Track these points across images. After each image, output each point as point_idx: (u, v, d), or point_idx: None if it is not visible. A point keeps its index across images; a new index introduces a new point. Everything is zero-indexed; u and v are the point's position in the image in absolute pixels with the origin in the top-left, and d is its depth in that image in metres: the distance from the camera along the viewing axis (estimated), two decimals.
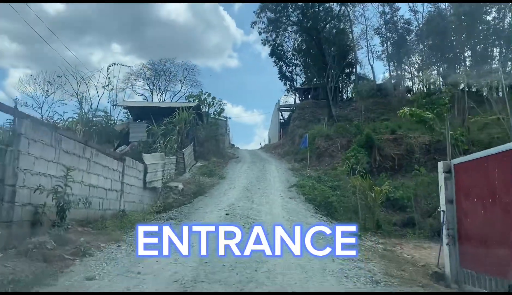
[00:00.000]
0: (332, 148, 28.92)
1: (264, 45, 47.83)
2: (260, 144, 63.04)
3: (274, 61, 56.27)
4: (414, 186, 20.57)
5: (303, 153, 30.73)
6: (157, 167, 18.67)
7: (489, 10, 40.63)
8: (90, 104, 33.72)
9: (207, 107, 35.80)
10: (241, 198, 18.37)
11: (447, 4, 45.14)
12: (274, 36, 48.12)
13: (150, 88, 49.61)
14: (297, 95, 56.22)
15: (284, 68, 56.78)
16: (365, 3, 48.27)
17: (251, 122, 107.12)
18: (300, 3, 42.83)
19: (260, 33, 46.69)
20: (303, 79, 57.81)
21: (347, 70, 53.17)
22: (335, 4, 44.12)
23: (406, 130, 29.33)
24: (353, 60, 51.87)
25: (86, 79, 34.17)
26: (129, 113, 35.01)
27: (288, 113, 55.48)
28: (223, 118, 56.42)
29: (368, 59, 51.76)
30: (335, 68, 45.60)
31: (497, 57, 41.63)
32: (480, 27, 44.84)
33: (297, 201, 18.24)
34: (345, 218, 16.69)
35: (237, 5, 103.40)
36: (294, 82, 57.36)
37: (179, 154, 24.50)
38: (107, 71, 35.36)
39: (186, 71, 51.75)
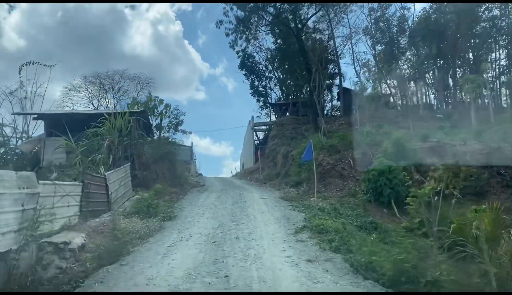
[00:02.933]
0: (341, 164, 18.65)
1: (232, 47, 37.93)
2: (232, 172, 52.26)
3: (245, 75, 46.74)
4: None
5: (297, 174, 20.27)
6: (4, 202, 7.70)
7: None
8: None
9: (159, 117, 24.88)
10: (201, 267, 7.74)
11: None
12: (244, 40, 38.49)
13: (95, 106, 38.17)
14: (273, 112, 46.35)
15: (256, 83, 47.17)
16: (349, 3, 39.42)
17: (219, 154, 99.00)
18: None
19: (227, 35, 36.91)
20: (278, 95, 48.21)
21: (328, 82, 43.78)
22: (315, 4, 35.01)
23: (443, 137, 19.72)
24: (336, 71, 42.64)
25: None
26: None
27: (263, 133, 45.34)
28: (186, 146, 46.41)
29: (354, 67, 42.59)
30: (319, 77, 36.07)
31: None
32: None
33: (329, 271, 7.58)
34: None
35: (201, 40, 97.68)
36: (269, 98, 47.68)
37: (94, 180, 13.46)
38: (19, 73, 23.97)
39: (140, 85, 40.70)
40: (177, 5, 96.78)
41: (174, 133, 25.60)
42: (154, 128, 24.36)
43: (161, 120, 24.69)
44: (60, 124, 20.57)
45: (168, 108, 25.00)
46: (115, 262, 8.48)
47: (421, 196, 8.50)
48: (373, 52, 40.92)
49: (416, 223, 9.70)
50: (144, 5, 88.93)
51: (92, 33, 63.91)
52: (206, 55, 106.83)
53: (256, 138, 43.71)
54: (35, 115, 22.15)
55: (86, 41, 64.33)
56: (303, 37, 34.23)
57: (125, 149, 19.29)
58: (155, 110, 24.20)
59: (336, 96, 43.78)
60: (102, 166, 17.23)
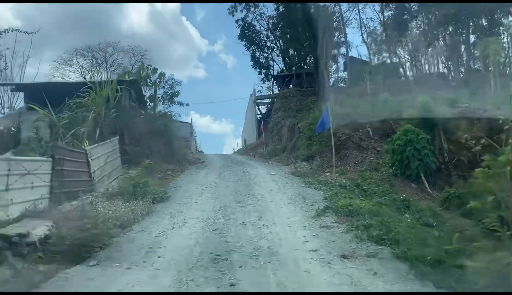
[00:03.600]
0: (358, 134, 16.22)
1: (232, 14, 34.97)
2: (233, 149, 49.95)
3: (245, 45, 43.68)
4: None
5: (306, 147, 17.90)
6: None
7: None
8: None
9: (152, 88, 22.29)
10: (196, 269, 5.53)
11: None
12: (244, 6, 35.36)
13: (86, 80, 35.32)
14: (276, 85, 43.54)
15: (257, 54, 44.22)
16: None
17: (220, 132, 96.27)
18: None
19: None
20: (281, 67, 45.28)
21: (334, 51, 40.74)
22: None
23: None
24: (342, 39, 39.63)
25: None
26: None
27: (266, 108, 42.70)
28: (186, 122, 44.09)
29: (362, 34, 39.46)
30: (326, 44, 33.13)
31: None
32: None
33: (378, 273, 5.26)
34: None
35: (199, 16, 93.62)
36: (271, 70, 44.79)
37: (71, 155, 11.12)
38: None
39: (135, 58, 37.78)
40: None
41: (169, 106, 23.14)
42: (148, 100, 21.90)
43: (155, 91, 22.13)
44: (42, 96, 18.13)
45: (162, 78, 22.40)
46: (82, 261, 6.23)
47: (497, 165, 6.13)
48: (382, 18, 37.81)
49: (489, 202, 7.37)
50: None
51: (88, 11, 60.42)
52: (204, 32, 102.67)
53: (259, 112, 41.14)
54: (13, 86, 19.61)
55: (83, 20, 61.10)
56: None
57: (114, 121, 16.87)
58: (148, 80, 21.61)
59: (342, 67, 40.90)
60: (87, 141, 14.95)
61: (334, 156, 15.75)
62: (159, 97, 22.14)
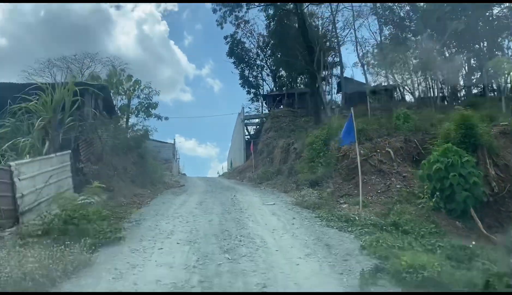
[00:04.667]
0: (376, 155, 12.72)
1: (220, 26, 31.62)
2: (218, 173, 46.03)
3: (234, 63, 40.65)
4: None
5: (309, 169, 14.29)
6: None
7: None
8: None
9: (125, 96, 18.53)
10: None
11: None
12: (233, 18, 32.33)
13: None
14: (265, 105, 40.27)
15: (246, 72, 41.16)
16: None
17: (205, 155, 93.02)
18: None
19: (214, 11, 30.69)
20: (271, 87, 42.15)
21: (324, 73, 37.79)
22: None
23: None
24: (336, 59, 36.80)
25: None
26: None
27: (254, 129, 39.24)
28: (168, 142, 40.85)
29: (357, 53, 36.56)
30: (323, 58, 30.16)
31: None
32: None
33: None
34: None
35: (187, 40, 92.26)
36: (260, 90, 41.67)
37: None
38: None
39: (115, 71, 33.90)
40: (163, 5, 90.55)
41: (145, 119, 19.30)
42: (118, 111, 18.09)
43: (128, 100, 18.37)
44: None
45: (137, 86, 18.67)
46: None
47: None
48: (379, 37, 35.15)
49: None
50: (129, 5, 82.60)
51: (76, 33, 57.03)
52: (192, 56, 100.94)
53: (247, 133, 37.63)
54: None
55: (70, 41, 57.68)
56: (305, 10, 28.36)
57: (69, 132, 13.07)
58: (120, 87, 17.90)
59: (336, 87, 37.93)
60: (27, 155, 11.26)
61: (347, 183, 12.31)
62: (133, 108, 18.40)
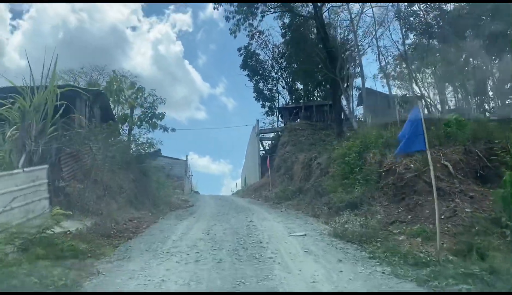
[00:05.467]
0: (430, 171, 9.95)
1: (233, 35, 29.23)
2: (232, 190, 43.40)
3: (248, 75, 38.47)
4: None
5: (345, 188, 11.47)
6: None
7: None
8: None
9: (126, 105, 16.17)
10: None
11: None
12: (247, 26, 29.99)
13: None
14: (281, 118, 37.73)
15: (261, 85, 38.87)
16: None
17: (218, 172, 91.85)
18: None
19: (227, 19, 28.42)
20: (286, 100, 39.69)
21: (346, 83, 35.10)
22: None
23: None
24: (356, 70, 34.04)
25: None
26: None
27: (268, 144, 36.61)
28: (180, 159, 38.91)
29: (379, 61, 33.78)
30: (346, 64, 27.56)
31: None
32: None
33: None
34: None
35: (201, 60, 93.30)
36: (275, 103, 39.26)
37: None
38: None
39: (124, 85, 31.83)
40: (178, 25, 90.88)
41: (149, 130, 16.74)
42: (118, 121, 15.69)
43: (131, 110, 15.95)
44: None
45: (140, 94, 16.27)
46: None
47: None
48: (403, 46, 32.34)
49: None
50: (145, 25, 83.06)
51: (93, 53, 56.64)
52: (206, 75, 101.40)
53: (262, 149, 35.01)
54: None
55: (87, 61, 57.54)
56: (324, 14, 25.98)
57: (51, 142, 10.68)
58: (121, 94, 15.54)
59: (357, 99, 35.15)
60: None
61: (395, 205, 9.58)
62: (135, 118, 15.95)
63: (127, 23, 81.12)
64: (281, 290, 4.81)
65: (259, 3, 27.50)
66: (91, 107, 13.74)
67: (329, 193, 12.55)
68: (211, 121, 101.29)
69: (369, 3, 29.14)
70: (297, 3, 27.39)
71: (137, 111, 16.15)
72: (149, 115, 15.94)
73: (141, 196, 13.94)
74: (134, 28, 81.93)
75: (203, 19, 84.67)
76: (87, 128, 12.41)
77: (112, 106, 15.66)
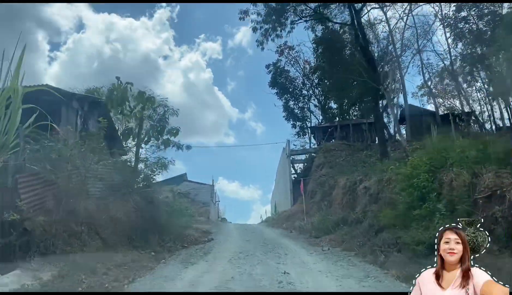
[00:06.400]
0: None
1: (261, 47, 26.38)
2: (260, 217, 39.67)
3: (277, 94, 35.63)
4: None
5: (419, 222, 7.91)
6: None
7: None
8: None
9: (132, 117, 13.37)
10: None
11: None
12: (275, 37, 27.04)
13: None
14: (314, 139, 34.23)
15: (291, 103, 35.85)
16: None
17: (247, 198, 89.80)
18: None
19: (254, 29, 25.73)
20: (319, 120, 36.32)
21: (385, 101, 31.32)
22: None
23: None
24: (394, 83, 30.25)
25: None
26: None
27: (301, 166, 33.08)
28: (206, 184, 36.28)
29: (423, 75, 29.98)
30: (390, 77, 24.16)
31: None
32: None
33: None
34: None
35: (230, 86, 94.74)
36: (307, 122, 35.99)
37: None
38: None
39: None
40: (208, 53, 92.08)
41: (159, 148, 13.69)
42: (121, 136, 12.80)
43: (140, 124, 13.11)
44: None
45: (150, 104, 13.40)
46: None
47: None
48: (449, 57, 28.39)
49: None
50: (176, 54, 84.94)
51: (125, 80, 58.47)
52: (235, 101, 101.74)
53: (293, 172, 31.52)
54: None
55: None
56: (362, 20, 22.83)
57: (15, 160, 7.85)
58: (124, 105, 12.76)
59: (398, 117, 31.23)
60: None
61: (502, 244, 5.95)
62: (143, 133, 13.06)
63: (159, 53, 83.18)
64: None
65: (288, 13, 24.86)
66: (84, 118, 11.07)
67: (388, 227, 8.99)
68: (240, 147, 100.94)
69: (411, 7, 26.03)
70: (332, 10, 24.48)
71: (146, 125, 13.35)
72: (158, 129, 12.99)
73: (145, 230, 10.87)
74: (165, 57, 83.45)
75: (232, 47, 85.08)
76: (75, 143, 9.57)
77: (115, 118, 12.96)
